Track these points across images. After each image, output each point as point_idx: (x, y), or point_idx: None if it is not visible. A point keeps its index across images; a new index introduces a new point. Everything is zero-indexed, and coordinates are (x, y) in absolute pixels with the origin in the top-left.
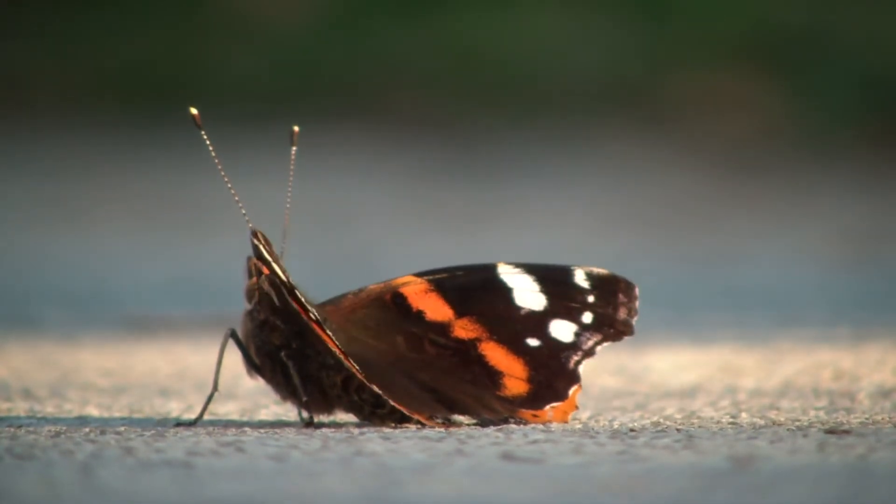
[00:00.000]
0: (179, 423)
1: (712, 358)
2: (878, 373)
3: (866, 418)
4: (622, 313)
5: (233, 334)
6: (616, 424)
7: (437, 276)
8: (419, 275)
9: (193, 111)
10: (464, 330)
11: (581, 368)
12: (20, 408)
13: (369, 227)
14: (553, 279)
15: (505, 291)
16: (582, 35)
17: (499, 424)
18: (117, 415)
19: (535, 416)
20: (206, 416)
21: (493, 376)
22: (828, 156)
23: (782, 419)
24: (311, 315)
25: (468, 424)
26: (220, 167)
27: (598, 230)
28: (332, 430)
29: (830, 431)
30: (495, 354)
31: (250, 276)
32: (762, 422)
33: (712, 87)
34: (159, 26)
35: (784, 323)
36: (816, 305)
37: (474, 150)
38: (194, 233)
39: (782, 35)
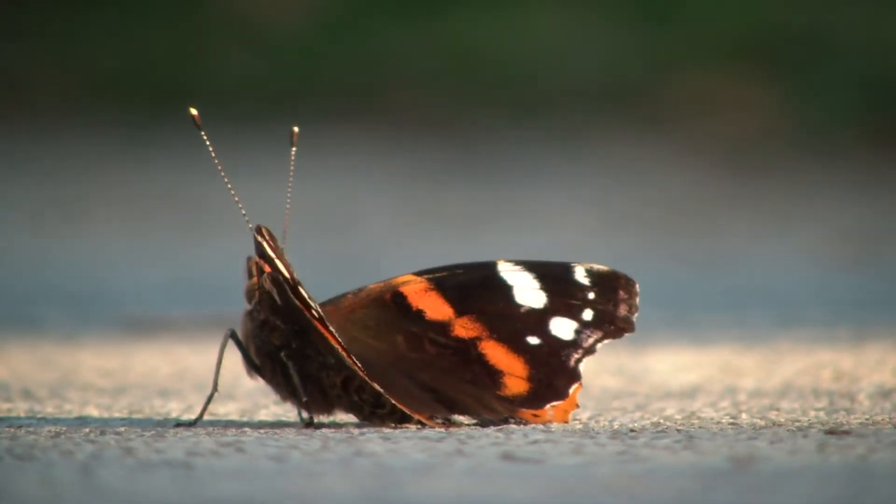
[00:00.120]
0: (179, 424)
1: (712, 358)
2: (878, 373)
3: (866, 419)
4: (623, 310)
5: (232, 335)
6: (616, 425)
7: (437, 275)
8: (419, 274)
9: (193, 111)
10: (464, 329)
11: (582, 366)
12: (20, 408)
13: (369, 227)
14: (553, 276)
15: (505, 289)
16: (582, 35)
17: (499, 424)
18: (117, 415)
19: (535, 415)
20: (206, 417)
21: (493, 375)
22: (828, 156)
23: (782, 420)
24: (314, 312)
25: (468, 424)
26: (219, 167)
27: (598, 230)
28: (332, 430)
29: (830, 432)
30: (495, 353)
31: (250, 275)
32: (762, 422)
33: (712, 88)
34: (159, 26)
35: (784, 323)
36: (816, 306)
37: (474, 151)
38: (194, 233)
39: (782, 35)
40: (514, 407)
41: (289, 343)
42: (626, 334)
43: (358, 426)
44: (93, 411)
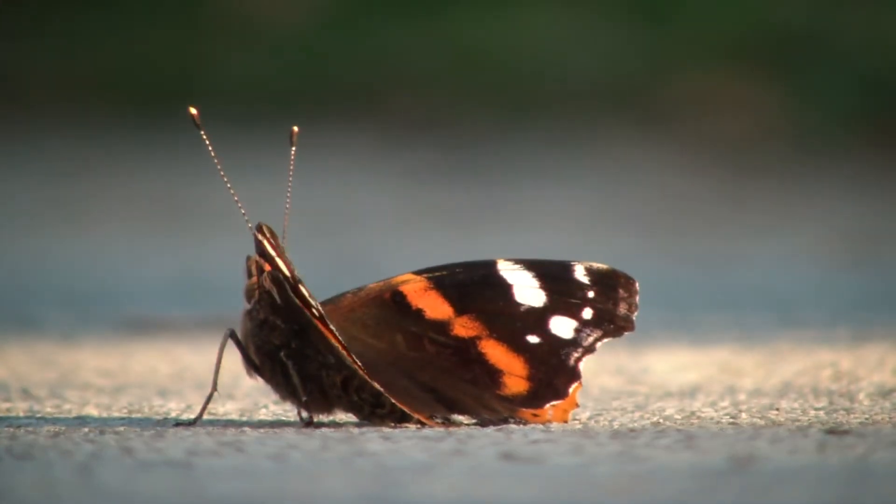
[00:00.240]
0: (179, 423)
1: (712, 358)
2: (877, 373)
3: (866, 419)
4: (622, 308)
5: (232, 334)
6: (616, 425)
7: (437, 274)
8: (418, 273)
9: (192, 111)
10: (463, 328)
11: (581, 365)
12: (19, 408)
13: (369, 227)
14: (552, 275)
15: (504, 288)
16: (582, 36)
17: (498, 424)
18: (116, 415)
19: (535, 415)
20: (206, 416)
21: (492, 374)
22: (828, 156)
23: (782, 419)
24: (315, 311)
25: (468, 424)
26: (219, 167)
27: (598, 230)
28: (332, 429)
29: (830, 432)
30: (495, 352)
31: (250, 275)
32: (762, 422)
33: (712, 88)
34: (159, 26)
35: (784, 323)
36: (816, 306)
37: (474, 150)
38: (194, 233)
39: (782, 35)
40: (513, 406)
41: (288, 342)
42: (626, 333)
43: (358, 426)
44: (92, 411)
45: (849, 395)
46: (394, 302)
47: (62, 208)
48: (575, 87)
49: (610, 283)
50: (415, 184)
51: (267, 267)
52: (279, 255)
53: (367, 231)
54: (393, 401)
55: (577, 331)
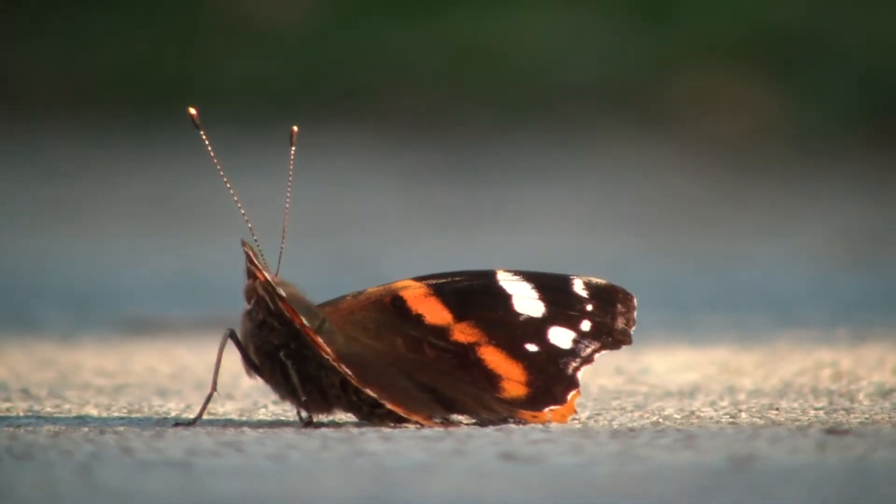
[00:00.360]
0: (178, 423)
1: (712, 358)
2: (877, 373)
3: (866, 418)
4: (620, 322)
5: (232, 334)
6: (615, 424)
7: (437, 281)
8: (418, 279)
9: (192, 111)
10: (463, 334)
11: (580, 375)
12: (19, 408)
13: (369, 226)
14: (552, 287)
15: (504, 297)
16: (582, 36)
17: (498, 424)
18: (116, 415)
19: (534, 416)
20: (205, 416)
21: (491, 379)
22: (827, 156)
23: (782, 419)
24: (303, 321)
25: (467, 424)
26: (218, 167)
27: (598, 230)
28: (332, 429)
29: (830, 431)
30: (494, 358)
31: (249, 276)
32: (762, 422)
33: (712, 88)
34: (159, 26)
35: (783, 323)
36: (816, 306)
37: (475, 150)
38: (194, 233)
39: (782, 35)
40: (513, 408)
41: (287, 343)
42: (624, 346)
43: (357, 425)
44: (92, 411)
45: (848, 394)
46: (394, 306)
47: (62, 208)
48: (575, 87)
49: (608, 298)
50: (415, 184)
51: (259, 276)
52: (261, 272)
53: (367, 231)
54: (390, 406)
55: (576, 342)
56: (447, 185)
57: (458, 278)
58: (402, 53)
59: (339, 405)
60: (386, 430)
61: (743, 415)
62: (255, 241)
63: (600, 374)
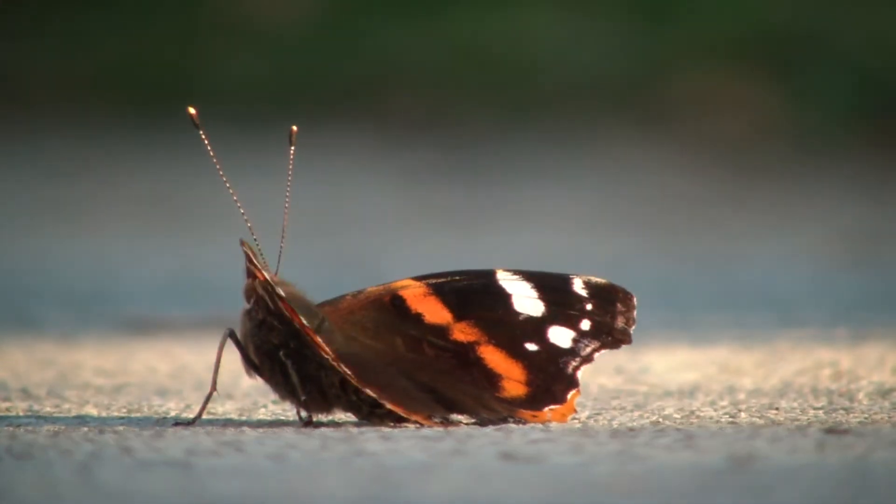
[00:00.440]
0: (178, 423)
1: (712, 358)
2: (877, 373)
3: (865, 418)
4: (620, 322)
5: (231, 334)
6: (615, 424)
7: (436, 281)
8: (418, 278)
9: (191, 110)
10: (462, 333)
11: (579, 374)
12: (19, 407)
13: (369, 226)
14: (551, 286)
15: (504, 297)
16: (582, 35)
17: (498, 424)
18: (116, 414)
19: (534, 416)
20: (205, 416)
21: (491, 378)
22: (827, 156)
23: (782, 419)
24: (302, 320)
25: (467, 424)
26: (218, 166)
27: (598, 230)
28: (331, 429)
29: (829, 431)
30: (494, 357)
31: (249, 275)
32: (761, 421)
33: (712, 87)
34: (159, 27)
35: (783, 323)
36: (816, 305)
37: (474, 150)
38: (194, 233)
39: (782, 35)
40: (512, 407)
41: (287, 342)
42: (623, 346)
43: (357, 425)
44: (91, 410)
45: (848, 394)
46: (393, 306)
47: (62, 208)
48: (575, 87)
49: (608, 297)
50: (415, 184)
51: (258, 275)
52: (261, 272)
53: (367, 231)
54: (389, 406)
55: (576, 341)
56: (447, 185)
57: (457, 278)
58: (402, 53)
59: (338, 405)
60: (386, 429)
61: (742, 414)
62: (255, 240)
63: (600, 374)
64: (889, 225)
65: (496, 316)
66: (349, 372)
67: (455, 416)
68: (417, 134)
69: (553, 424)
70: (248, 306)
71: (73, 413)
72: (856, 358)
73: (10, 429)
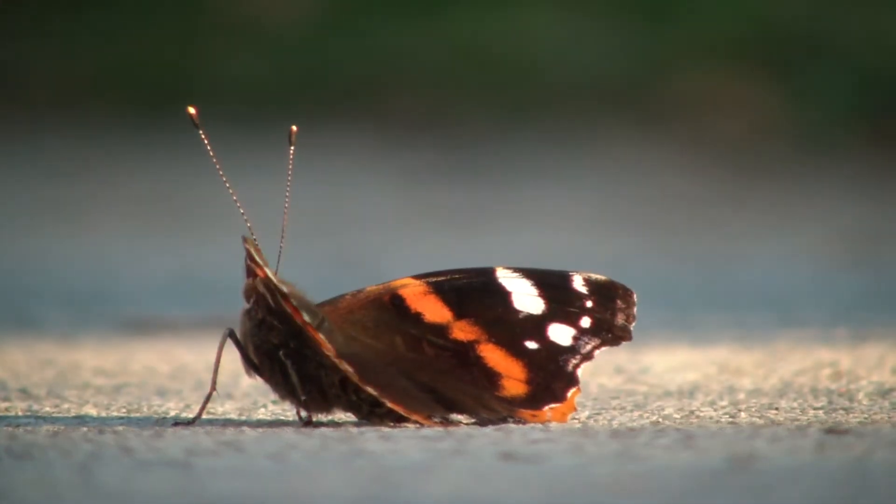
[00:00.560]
0: (178, 423)
1: (711, 358)
2: (877, 373)
3: (865, 418)
4: (620, 319)
5: (231, 334)
6: (615, 424)
7: (436, 279)
8: (417, 277)
9: (191, 110)
10: (462, 332)
11: (580, 372)
12: (18, 407)
13: (369, 226)
14: (551, 284)
15: (503, 295)
16: (582, 35)
17: (498, 424)
18: (115, 414)
19: (534, 415)
20: (205, 416)
21: (491, 377)
22: (827, 156)
23: (781, 419)
24: (305, 317)
25: (467, 424)
26: (217, 166)
27: (597, 230)
28: (331, 429)
29: (829, 431)
30: (494, 356)
31: (249, 274)
32: (761, 421)
33: (712, 87)
34: (159, 26)
35: (783, 323)
36: (815, 305)
37: (475, 150)
38: (194, 233)
39: (782, 35)
40: (512, 407)
41: (287, 342)
42: (624, 342)
43: (357, 425)
44: (91, 410)
45: (848, 394)
46: (393, 305)
47: (62, 208)
48: (575, 87)
49: (608, 294)
50: (415, 184)
51: (259, 273)
52: (262, 268)
53: (367, 231)
54: (390, 405)
55: (576, 338)
56: (447, 185)
57: (457, 276)
58: (402, 53)
59: (338, 404)
60: (385, 429)
61: (742, 414)
62: (255, 240)
63: (600, 374)
64: (889, 225)
65: (496, 314)
66: (350, 370)
67: (455, 416)
68: (417, 134)
69: (553, 424)
70: (247, 306)
71: (73, 413)
72: (856, 358)
73: (10, 429)
